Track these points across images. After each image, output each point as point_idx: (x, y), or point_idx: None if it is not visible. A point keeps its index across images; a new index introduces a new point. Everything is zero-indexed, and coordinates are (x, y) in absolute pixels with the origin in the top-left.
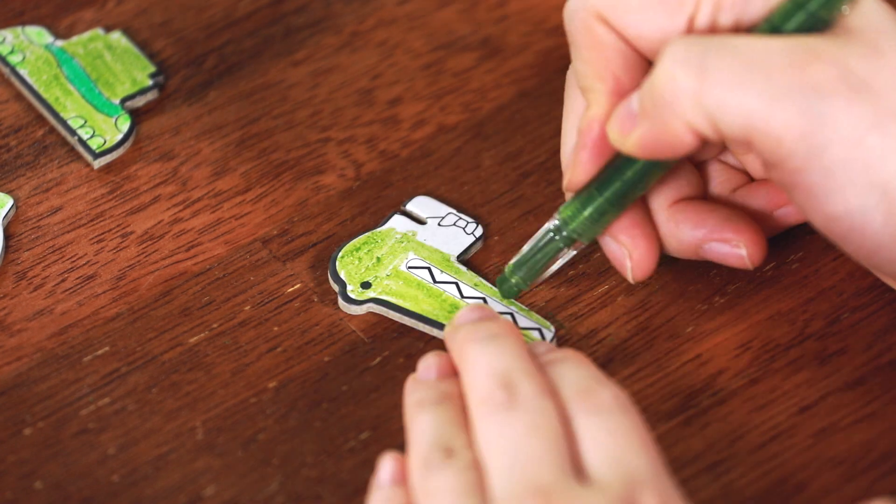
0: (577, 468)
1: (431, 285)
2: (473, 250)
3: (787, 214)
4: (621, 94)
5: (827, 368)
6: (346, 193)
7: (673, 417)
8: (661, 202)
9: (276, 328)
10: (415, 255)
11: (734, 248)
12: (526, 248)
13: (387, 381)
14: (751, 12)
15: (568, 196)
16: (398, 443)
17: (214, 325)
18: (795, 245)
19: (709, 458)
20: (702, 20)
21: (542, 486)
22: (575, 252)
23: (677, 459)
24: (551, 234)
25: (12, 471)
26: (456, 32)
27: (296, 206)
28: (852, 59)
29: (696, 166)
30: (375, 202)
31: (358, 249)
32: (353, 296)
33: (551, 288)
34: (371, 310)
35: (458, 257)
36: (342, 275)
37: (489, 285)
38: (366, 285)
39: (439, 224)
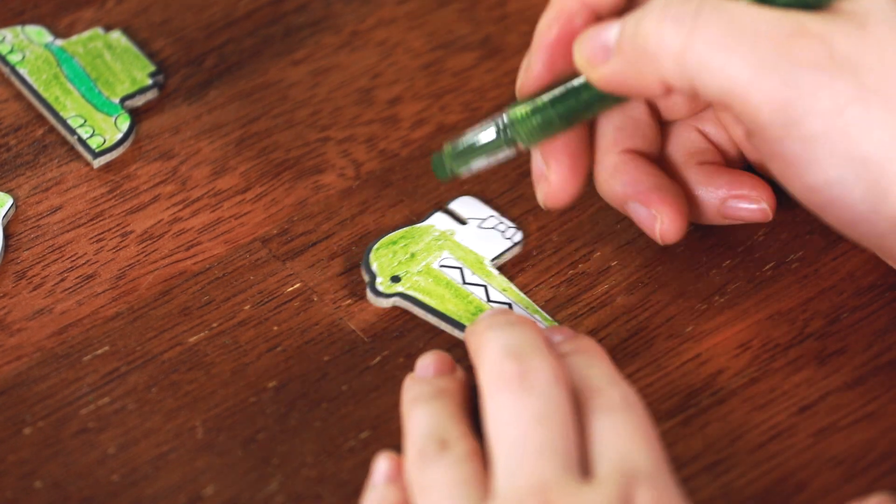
0: (580, 463)
1: (460, 286)
2: (509, 255)
3: (732, 208)
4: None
5: (827, 368)
6: (345, 193)
7: (672, 417)
8: (610, 145)
9: (275, 328)
10: (449, 255)
11: (651, 217)
12: (468, 136)
13: (387, 380)
14: None
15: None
16: (398, 443)
17: (214, 325)
18: (795, 245)
19: (708, 458)
20: None
21: (543, 485)
22: (515, 152)
23: (677, 459)
24: (496, 130)
25: (12, 471)
26: (456, 32)
27: (296, 206)
28: (838, 36)
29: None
30: (375, 202)
31: (394, 243)
32: (381, 288)
33: (551, 288)
34: (396, 304)
35: (492, 261)
36: (374, 266)
37: (518, 291)
38: (395, 279)
39: (479, 226)
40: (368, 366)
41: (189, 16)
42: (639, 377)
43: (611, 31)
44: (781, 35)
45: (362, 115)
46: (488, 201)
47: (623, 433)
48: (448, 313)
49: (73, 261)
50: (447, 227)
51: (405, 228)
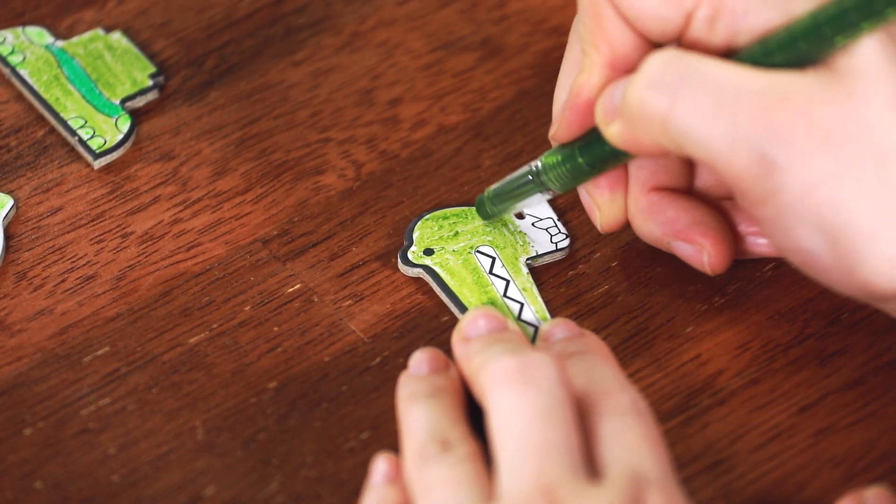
0: (586, 463)
1: (484, 274)
2: (548, 259)
3: (757, 244)
4: (617, 66)
5: (827, 368)
6: (346, 193)
7: (673, 417)
8: (641, 186)
9: (276, 328)
10: (490, 242)
11: (697, 252)
12: (506, 180)
13: (387, 381)
14: (750, 24)
15: (554, 144)
16: (398, 443)
17: (214, 326)
18: None
19: (709, 458)
20: (700, 20)
21: (549, 484)
22: (549, 196)
23: (677, 459)
24: (530, 176)
25: (12, 471)
26: (456, 32)
27: (296, 207)
28: (821, 107)
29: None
30: (375, 202)
31: (445, 218)
32: (410, 257)
33: (551, 288)
34: (420, 275)
35: (528, 259)
36: (415, 235)
37: (537, 295)
38: (428, 252)
39: (533, 224)
40: (368, 366)
41: (189, 17)
42: (639, 378)
43: (617, 91)
44: (762, 106)
45: (363, 115)
46: (553, 203)
47: (633, 438)
48: (461, 297)
49: (74, 262)
50: (502, 217)
51: (462, 207)
